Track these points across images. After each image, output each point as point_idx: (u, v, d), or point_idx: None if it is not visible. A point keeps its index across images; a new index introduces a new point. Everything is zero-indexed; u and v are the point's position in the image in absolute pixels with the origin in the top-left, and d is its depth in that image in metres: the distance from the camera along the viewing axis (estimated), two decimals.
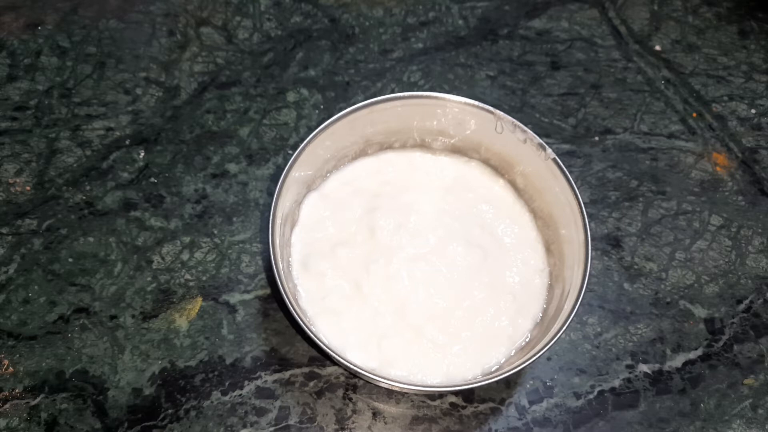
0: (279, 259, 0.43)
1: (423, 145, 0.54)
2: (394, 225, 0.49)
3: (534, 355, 0.41)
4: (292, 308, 0.41)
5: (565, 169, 0.46)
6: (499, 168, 0.53)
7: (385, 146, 0.54)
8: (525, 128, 0.48)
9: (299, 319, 0.40)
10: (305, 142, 0.46)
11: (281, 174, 0.45)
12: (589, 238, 0.44)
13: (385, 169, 0.53)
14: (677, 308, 0.52)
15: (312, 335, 0.40)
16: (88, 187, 0.55)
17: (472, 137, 0.52)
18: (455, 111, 0.50)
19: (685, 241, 0.56)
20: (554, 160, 0.47)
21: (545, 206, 0.50)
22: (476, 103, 0.49)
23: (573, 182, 0.46)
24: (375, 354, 0.45)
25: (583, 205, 0.45)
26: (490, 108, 0.49)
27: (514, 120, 0.48)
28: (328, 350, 0.40)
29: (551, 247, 0.49)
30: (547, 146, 0.47)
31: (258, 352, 0.49)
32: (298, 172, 0.47)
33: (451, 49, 0.66)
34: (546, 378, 0.49)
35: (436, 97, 0.49)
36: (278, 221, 0.44)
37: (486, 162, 0.53)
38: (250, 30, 0.66)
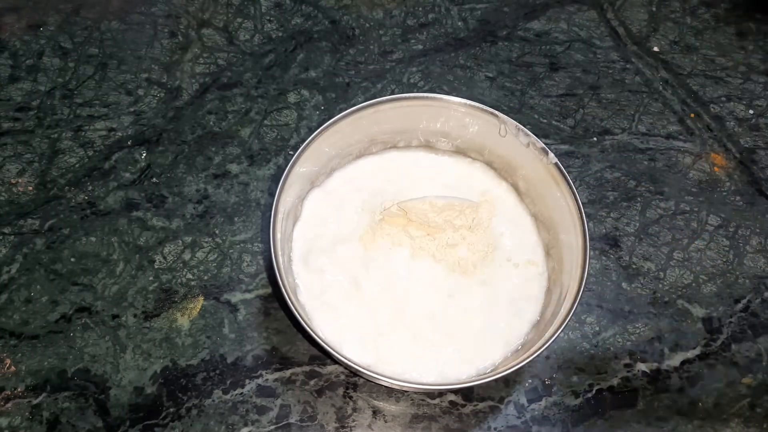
0: (279, 253, 0.43)
1: (427, 146, 0.54)
2: (396, 224, 0.49)
3: (533, 353, 0.41)
4: (289, 301, 0.41)
5: (566, 174, 0.47)
6: (501, 171, 0.53)
7: (390, 145, 0.54)
8: (528, 132, 0.48)
9: (297, 313, 0.41)
10: (311, 137, 0.46)
11: (283, 173, 0.45)
12: (588, 244, 0.44)
13: (388, 168, 0.53)
14: (675, 308, 0.53)
15: (309, 329, 0.41)
16: (90, 188, 0.56)
17: (475, 139, 0.52)
18: (460, 113, 0.50)
19: (683, 240, 0.56)
20: (556, 164, 0.47)
21: (546, 210, 0.50)
22: (481, 105, 0.49)
23: (574, 187, 0.46)
24: (371, 351, 0.45)
25: (583, 210, 0.45)
26: (494, 111, 0.49)
27: (517, 124, 0.48)
28: (324, 345, 0.40)
29: (551, 251, 0.50)
30: (549, 151, 0.47)
31: (259, 350, 0.49)
32: (302, 167, 0.47)
33: (450, 51, 0.66)
34: (545, 377, 0.49)
35: (441, 99, 0.50)
36: (280, 215, 0.45)
37: (489, 164, 0.54)
38: (251, 31, 0.66)
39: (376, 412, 0.47)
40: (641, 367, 0.50)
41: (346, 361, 0.40)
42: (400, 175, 0.53)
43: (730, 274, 0.55)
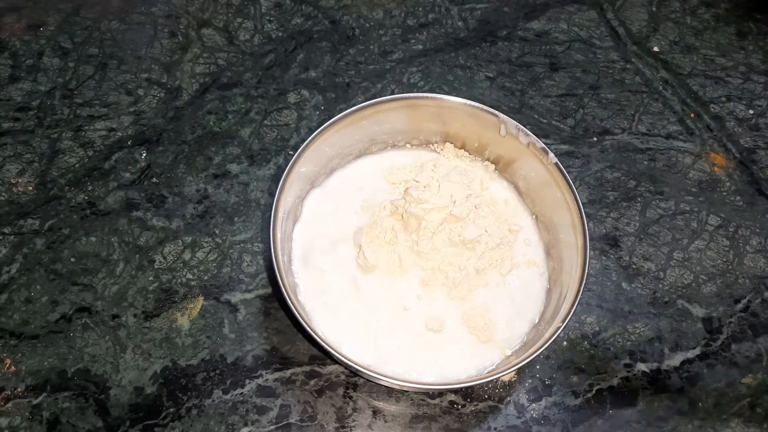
0: (279, 253, 0.43)
1: (427, 145, 0.54)
2: (396, 223, 0.49)
3: (533, 353, 0.41)
4: (289, 301, 0.41)
5: (566, 174, 0.47)
6: (502, 170, 0.53)
7: (390, 145, 0.54)
8: (528, 132, 0.48)
9: (297, 313, 0.41)
10: (311, 137, 0.47)
11: (283, 173, 0.45)
12: (588, 244, 0.44)
13: (388, 168, 0.53)
14: (675, 308, 0.53)
15: (309, 329, 0.41)
16: (90, 187, 0.56)
17: (476, 139, 0.52)
18: (460, 113, 0.50)
19: (683, 240, 0.56)
20: (556, 164, 0.47)
21: (546, 210, 0.50)
22: (481, 106, 0.49)
23: (574, 187, 0.46)
24: (371, 351, 0.45)
25: (583, 210, 0.45)
26: (495, 111, 0.49)
27: (518, 124, 0.49)
28: (324, 345, 0.40)
29: (551, 251, 0.50)
30: (549, 151, 0.47)
31: (259, 350, 0.49)
32: (302, 167, 0.47)
33: (450, 51, 0.66)
34: (545, 377, 0.49)
35: (441, 99, 0.50)
36: (280, 215, 0.45)
37: (489, 164, 0.54)
38: (251, 31, 0.66)
39: (376, 412, 0.47)
40: (641, 367, 0.50)
41: (346, 361, 0.40)
42: (400, 175, 0.53)
43: (730, 274, 0.55)
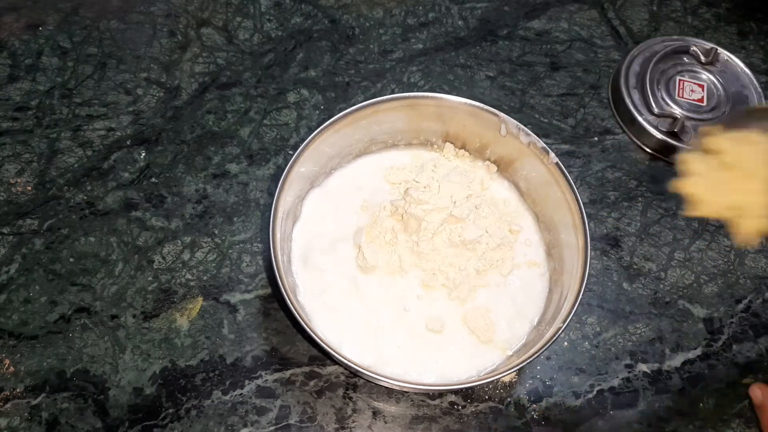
0: (279, 253, 0.43)
1: (427, 145, 0.54)
2: (396, 223, 0.49)
3: (533, 354, 0.41)
4: (289, 302, 0.41)
5: (567, 174, 0.47)
6: (503, 170, 0.53)
7: (390, 145, 0.54)
8: (529, 132, 0.48)
9: (296, 313, 0.41)
10: (310, 137, 0.46)
11: (282, 172, 0.45)
12: (589, 244, 0.44)
13: (388, 168, 0.53)
14: (676, 308, 0.53)
15: (308, 329, 0.40)
16: (89, 187, 0.55)
17: (476, 139, 0.52)
18: (460, 112, 0.50)
19: (684, 241, 0.56)
20: (557, 164, 0.47)
21: (547, 210, 0.50)
22: (481, 105, 0.49)
23: (575, 187, 0.46)
24: (371, 351, 0.45)
25: (584, 210, 0.45)
26: (495, 111, 0.49)
27: (518, 123, 0.48)
28: (324, 345, 0.40)
29: (552, 251, 0.49)
30: (550, 150, 0.47)
31: (258, 351, 0.49)
32: (301, 167, 0.47)
33: (450, 50, 0.66)
34: (545, 377, 0.49)
35: (441, 98, 0.50)
36: (280, 215, 0.45)
37: (490, 164, 0.54)
38: (250, 31, 0.66)
39: (376, 413, 0.47)
40: (642, 367, 0.50)
41: (345, 361, 0.40)
42: (400, 175, 0.53)
43: (731, 275, 0.55)
